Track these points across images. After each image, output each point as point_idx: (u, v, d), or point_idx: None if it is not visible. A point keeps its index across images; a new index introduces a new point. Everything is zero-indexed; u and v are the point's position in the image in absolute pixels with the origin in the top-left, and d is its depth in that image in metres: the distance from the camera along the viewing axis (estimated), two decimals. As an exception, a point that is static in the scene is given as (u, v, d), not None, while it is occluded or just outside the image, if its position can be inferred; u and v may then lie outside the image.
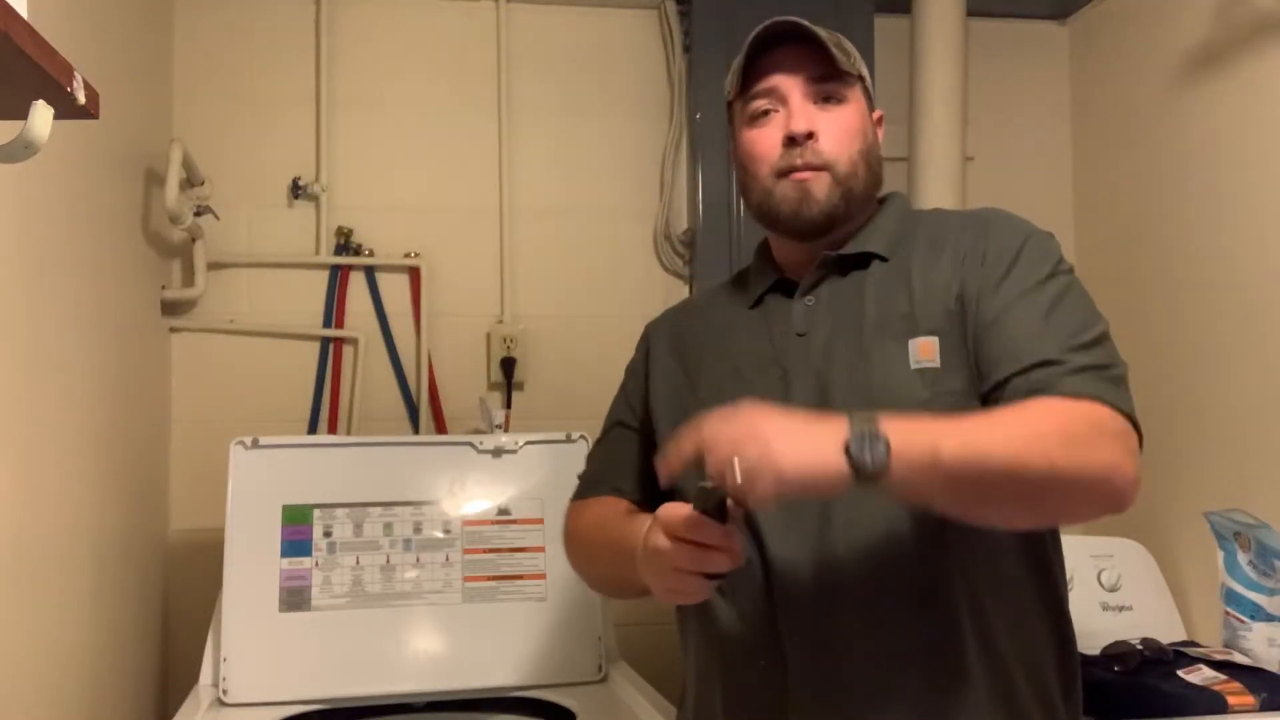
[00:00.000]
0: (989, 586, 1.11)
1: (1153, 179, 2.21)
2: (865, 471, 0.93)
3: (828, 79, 1.20)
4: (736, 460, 0.92)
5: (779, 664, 1.11)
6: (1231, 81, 1.98)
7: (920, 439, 0.95)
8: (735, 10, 2.25)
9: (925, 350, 1.13)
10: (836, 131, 1.20)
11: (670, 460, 1.01)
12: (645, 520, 1.16)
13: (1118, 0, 2.35)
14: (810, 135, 1.18)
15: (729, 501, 0.99)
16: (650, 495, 1.31)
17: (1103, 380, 1.05)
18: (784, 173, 1.20)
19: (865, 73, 1.25)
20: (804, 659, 1.10)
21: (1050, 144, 2.52)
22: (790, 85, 1.20)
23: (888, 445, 0.93)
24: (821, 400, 1.14)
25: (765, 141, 1.21)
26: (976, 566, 1.09)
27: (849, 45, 1.24)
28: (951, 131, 2.24)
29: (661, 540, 1.04)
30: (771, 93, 1.21)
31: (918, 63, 2.25)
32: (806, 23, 1.20)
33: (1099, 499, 1.02)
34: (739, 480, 0.93)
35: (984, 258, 1.15)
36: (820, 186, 1.19)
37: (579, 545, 1.36)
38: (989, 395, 1.09)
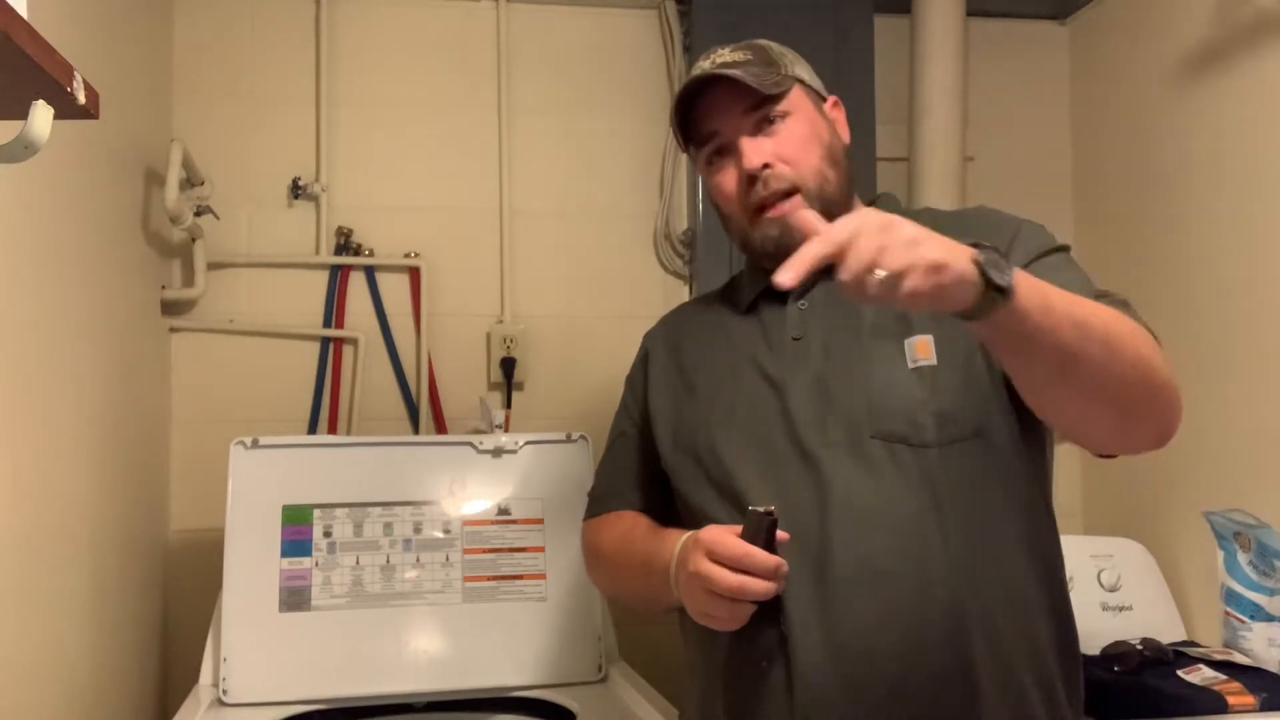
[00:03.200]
0: (993, 582, 1.11)
1: (1153, 178, 2.21)
2: (994, 284, 0.89)
3: (761, 104, 1.20)
4: (883, 268, 0.86)
5: (782, 664, 1.11)
6: (1231, 81, 1.98)
7: (1035, 284, 0.93)
8: (735, 10, 2.26)
9: (921, 348, 1.14)
10: (790, 150, 1.19)
11: (798, 267, 0.89)
12: (673, 536, 1.17)
13: (1118, 0, 2.36)
14: (766, 166, 1.18)
15: (777, 531, 1.03)
16: (659, 503, 1.32)
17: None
18: (757, 209, 1.19)
19: (801, 73, 1.24)
20: (808, 658, 1.10)
21: (1050, 144, 2.52)
22: (730, 125, 1.20)
23: (1012, 273, 0.90)
24: (820, 403, 1.15)
25: (727, 184, 1.21)
26: (981, 562, 1.09)
27: (776, 51, 1.23)
28: (951, 131, 2.24)
29: (704, 564, 1.06)
30: (714, 136, 1.21)
31: (918, 63, 2.25)
32: (717, 70, 1.19)
33: (1165, 411, 1.04)
34: (884, 288, 0.87)
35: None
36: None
37: (603, 564, 1.35)
38: None
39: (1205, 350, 2.01)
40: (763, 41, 1.25)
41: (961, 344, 1.13)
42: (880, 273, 0.86)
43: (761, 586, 1.04)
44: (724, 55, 1.21)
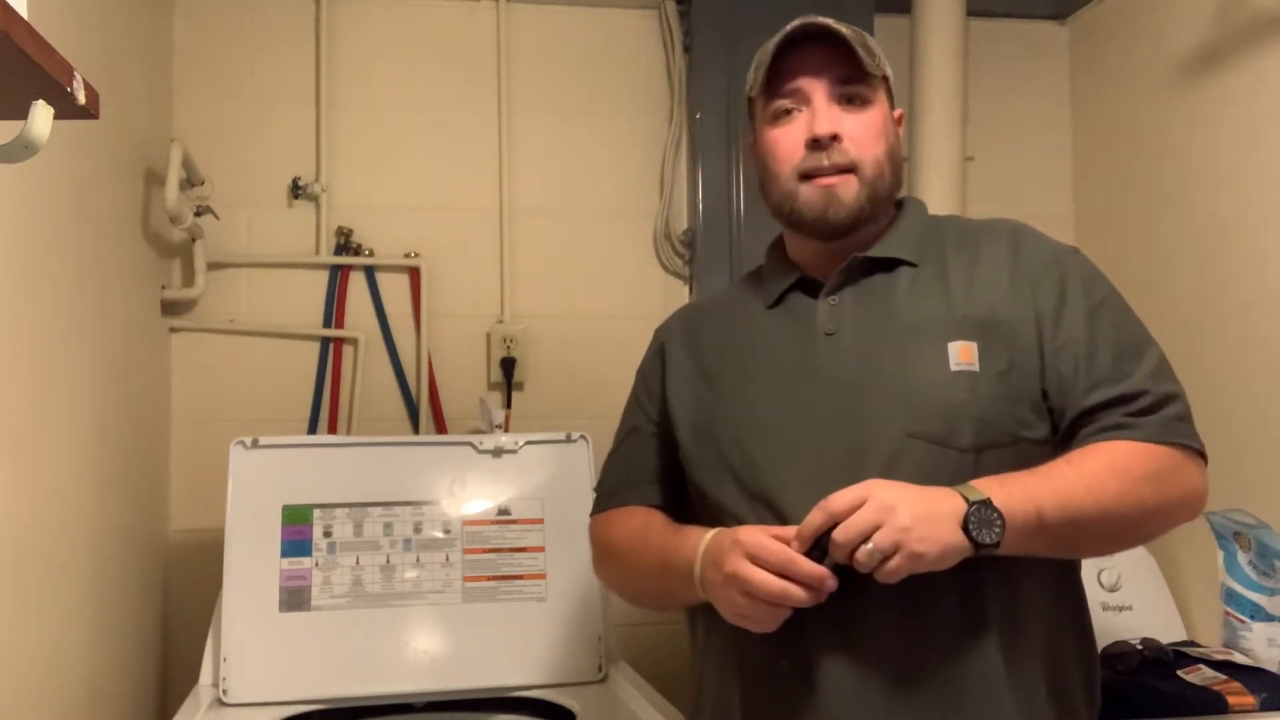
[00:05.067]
0: (1019, 584, 1.11)
1: (1152, 179, 2.21)
2: (984, 548, 1.01)
3: (853, 80, 1.20)
4: (872, 542, 0.99)
5: (801, 663, 1.10)
6: (1231, 81, 1.98)
7: (1026, 506, 1.03)
8: (735, 10, 2.25)
9: (964, 353, 1.14)
10: (861, 133, 1.19)
11: (802, 535, 1.04)
12: (694, 533, 1.16)
13: (1118, 0, 2.36)
14: (835, 137, 1.18)
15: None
16: (671, 500, 1.30)
17: (1176, 421, 1.13)
18: (808, 175, 1.19)
19: (889, 72, 1.24)
20: (828, 657, 1.09)
21: (1050, 144, 2.52)
22: (815, 86, 1.20)
23: (1003, 523, 1.01)
24: (853, 399, 1.14)
25: (788, 142, 1.20)
26: (1008, 563, 1.08)
27: (874, 44, 1.23)
28: (951, 131, 2.24)
29: (744, 566, 1.05)
30: (795, 93, 1.21)
31: (918, 63, 2.25)
32: (834, 24, 1.19)
33: (1180, 520, 1.15)
34: (870, 560, 1.00)
35: (1033, 279, 1.17)
36: (848, 190, 1.19)
37: (614, 559, 1.32)
38: (1073, 422, 1.14)
39: (1204, 350, 2.01)
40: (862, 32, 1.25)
41: (1003, 352, 1.13)
42: (868, 546, 0.99)
43: (803, 595, 1.03)
44: (828, 22, 1.20)
